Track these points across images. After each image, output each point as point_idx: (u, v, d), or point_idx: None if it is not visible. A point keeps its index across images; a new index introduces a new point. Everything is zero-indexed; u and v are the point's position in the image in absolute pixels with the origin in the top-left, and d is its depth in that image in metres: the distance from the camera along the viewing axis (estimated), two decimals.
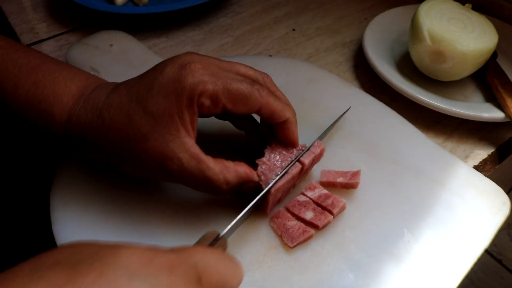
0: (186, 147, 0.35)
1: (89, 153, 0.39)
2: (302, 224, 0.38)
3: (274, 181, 0.37)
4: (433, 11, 0.52)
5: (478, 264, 0.38)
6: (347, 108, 0.48)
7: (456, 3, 0.54)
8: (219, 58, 0.39)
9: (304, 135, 0.45)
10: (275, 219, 0.38)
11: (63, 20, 0.67)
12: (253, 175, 0.37)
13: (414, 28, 0.52)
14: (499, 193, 0.42)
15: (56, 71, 0.39)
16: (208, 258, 0.25)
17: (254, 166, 0.38)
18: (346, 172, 0.41)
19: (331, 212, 0.38)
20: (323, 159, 0.42)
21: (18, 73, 0.38)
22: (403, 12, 0.63)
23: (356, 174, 0.41)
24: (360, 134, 0.46)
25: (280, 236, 0.38)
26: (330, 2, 0.71)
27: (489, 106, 0.51)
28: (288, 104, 0.39)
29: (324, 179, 0.41)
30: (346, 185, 0.40)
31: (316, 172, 0.43)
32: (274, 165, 0.38)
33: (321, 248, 0.37)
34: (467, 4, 0.55)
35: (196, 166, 0.35)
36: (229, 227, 0.34)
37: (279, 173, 0.37)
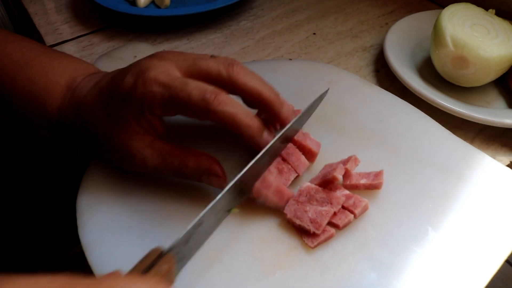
0: (146, 143, 0.38)
1: (76, 143, 0.42)
2: (319, 208, 0.38)
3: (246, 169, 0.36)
4: (456, 16, 0.52)
5: (497, 273, 0.37)
6: (326, 90, 0.46)
7: (479, 9, 0.54)
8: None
9: (325, 137, 0.45)
10: (290, 208, 0.38)
11: (86, 21, 0.69)
12: (216, 169, 0.38)
13: (437, 34, 0.52)
14: None
15: (47, 65, 0.42)
16: None
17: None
18: (369, 173, 0.41)
19: (353, 213, 0.38)
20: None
21: (14, 68, 0.41)
22: (424, 17, 0.63)
23: (379, 174, 0.40)
24: (382, 133, 0.46)
25: (300, 236, 0.38)
26: (350, 6, 0.71)
27: (511, 112, 0.51)
28: (261, 95, 0.38)
29: (347, 182, 0.41)
30: (369, 186, 0.40)
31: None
32: None
33: (342, 248, 0.37)
34: (490, 10, 0.55)
35: (159, 155, 0.38)
36: (174, 242, 0.30)
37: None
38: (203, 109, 0.36)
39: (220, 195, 0.34)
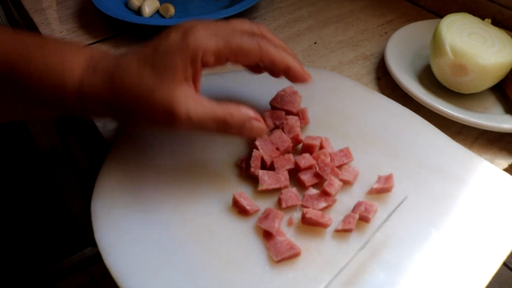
0: (190, 94, 0.39)
1: (102, 113, 0.43)
2: (290, 240, 0.39)
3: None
4: (454, 26, 0.54)
5: (494, 276, 0.39)
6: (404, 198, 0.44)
7: (476, 18, 0.56)
8: None
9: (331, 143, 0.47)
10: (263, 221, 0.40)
11: (92, 31, 0.70)
12: (257, 114, 0.41)
13: (436, 43, 0.54)
14: None
15: (61, 44, 0.43)
16: None
17: None
18: (379, 178, 0.43)
19: (366, 218, 0.40)
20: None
21: (27, 51, 0.41)
22: (422, 26, 0.65)
23: (389, 178, 0.42)
24: (384, 139, 0.48)
25: (313, 240, 0.39)
26: (350, 16, 0.73)
27: (508, 117, 0.53)
28: (287, 50, 0.44)
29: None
30: (381, 190, 0.42)
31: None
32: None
33: (352, 250, 0.39)
34: (486, 19, 0.57)
35: (202, 107, 0.39)
36: None
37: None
38: (257, 50, 0.41)
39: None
